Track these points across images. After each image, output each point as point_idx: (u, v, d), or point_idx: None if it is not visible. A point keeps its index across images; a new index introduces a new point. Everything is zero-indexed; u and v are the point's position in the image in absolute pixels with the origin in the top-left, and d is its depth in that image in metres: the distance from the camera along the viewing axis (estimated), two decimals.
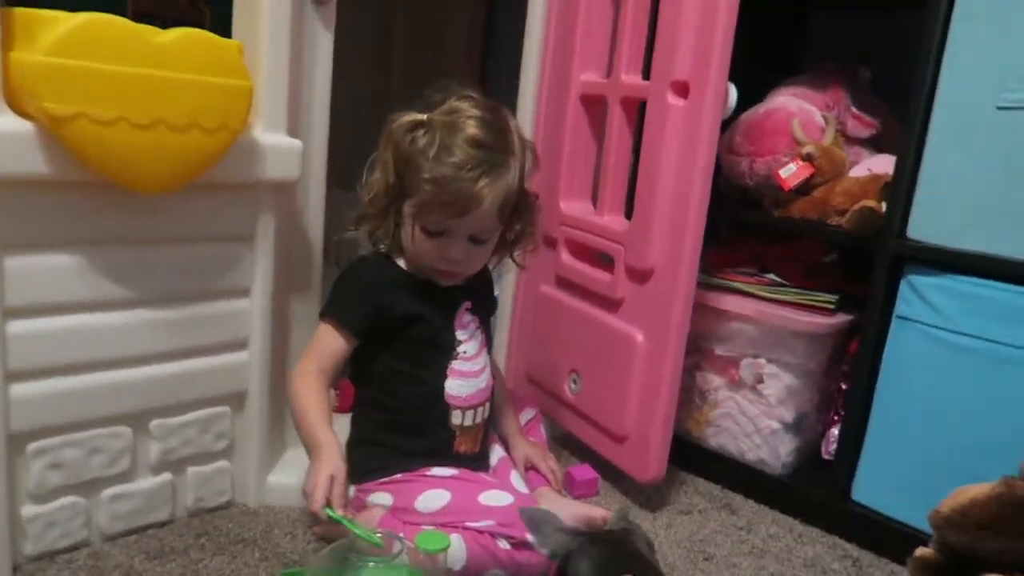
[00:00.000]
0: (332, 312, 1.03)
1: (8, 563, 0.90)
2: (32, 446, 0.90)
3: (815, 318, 1.27)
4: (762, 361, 1.32)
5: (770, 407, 1.32)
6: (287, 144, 1.05)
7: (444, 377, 1.07)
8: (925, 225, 1.14)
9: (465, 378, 1.09)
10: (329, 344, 1.02)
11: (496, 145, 0.98)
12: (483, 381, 1.11)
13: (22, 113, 0.83)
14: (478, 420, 1.11)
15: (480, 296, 1.14)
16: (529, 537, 0.85)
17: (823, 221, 1.29)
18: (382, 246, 1.06)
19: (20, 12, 0.84)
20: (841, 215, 1.25)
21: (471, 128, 0.96)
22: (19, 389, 0.88)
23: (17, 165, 0.82)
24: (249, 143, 1.00)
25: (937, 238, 1.12)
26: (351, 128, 1.40)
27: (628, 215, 1.28)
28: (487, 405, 1.13)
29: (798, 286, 1.32)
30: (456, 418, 1.08)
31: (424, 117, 0.98)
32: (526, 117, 1.42)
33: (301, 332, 1.17)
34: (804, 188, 1.31)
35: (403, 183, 0.99)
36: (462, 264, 1.04)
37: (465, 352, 1.09)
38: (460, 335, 1.09)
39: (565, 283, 1.39)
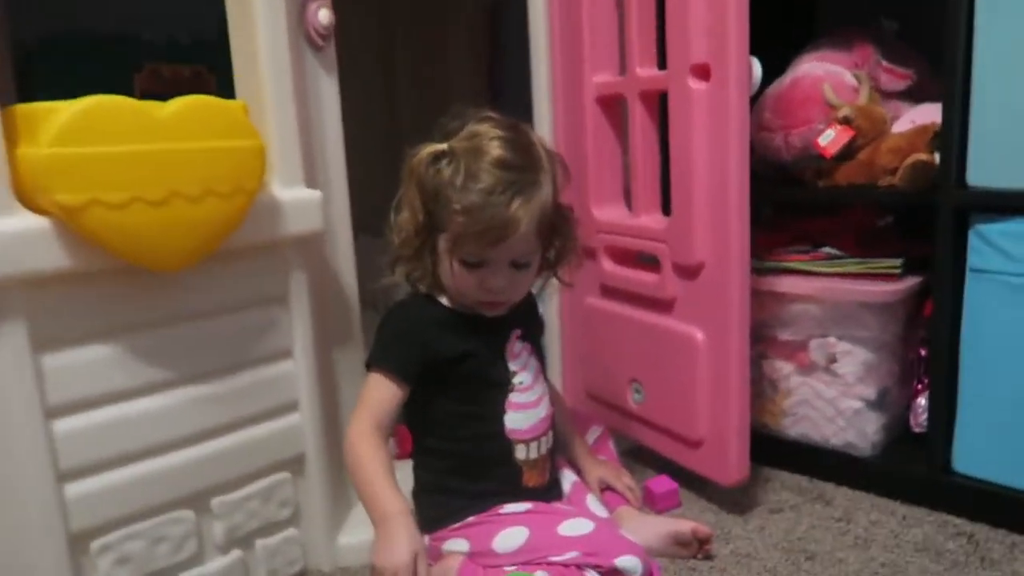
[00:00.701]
0: (378, 360, 0.98)
1: None
2: (95, 544, 0.88)
3: (882, 286, 1.20)
4: (832, 340, 1.25)
5: (848, 386, 1.25)
6: (306, 196, 1.02)
7: (503, 412, 1.02)
8: (985, 169, 1.07)
9: (524, 410, 1.03)
10: (380, 394, 0.97)
11: (524, 163, 0.93)
12: (543, 410, 1.06)
13: (36, 209, 0.81)
14: (543, 451, 1.06)
15: (528, 321, 1.08)
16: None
17: (873, 184, 1.22)
18: (421, 286, 1.01)
19: (20, 108, 0.83)
20: (891, 174, 1.18)
21: (495, 149, 0.91)
22: (74, 488, 0.86)
23: (38, 262, 0.80)
24: (268, 202, 0.97)
25: (1000, 181, 1.05)
26: (367, 170, 1.38)
27: (666, 211, 1.22)
28: (550, 434, 1.07)
29: (857, 256, 1.24)
30: (520, 453, 1.03)
31: (445, 146, 0.93)
32: (543, 128, 1.38)
33: (349, 385, 1.14)
34: (847, 153, 1.25)
35: (433, 218, 0.94)
36: (506, 292, 0.99)
37: (521, 383, 1.03)
38: (513, 366, 1.03)
39: (611, 291, 1.34)
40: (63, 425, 0.85)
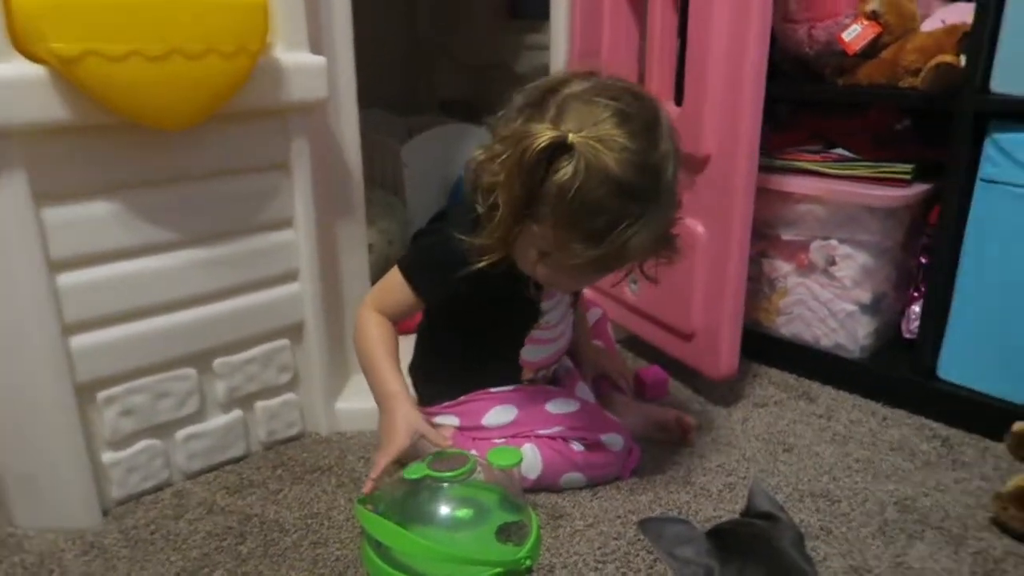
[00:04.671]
0: (410, 274, 0.95)
1: (98, 508, 0.93)
2: (101, 395, 0.91)
3: (890, 191, 1.19)
4: (834, 242, 1.25)
5: (845, 289, 1.26)
6: (311, 62, 0.99)
7: (520, 345, 1.01)
8: (1010, 76, 1.03)
9: (543, 344, 1.03)
10: (399, 298, 0.95)
11: (652, 189, 0.79)
12: (562, 343, 1.06)
13: (32, 57, 0.79)
14: (550, 373, 1.08)
15: None
16: (663, 557, 0.70)
17: (894, 84, 1.18)
18: (478, 207, 0.86)
19: None
20: (914, 75, 1.14)
21: (625, 170, 0.76)
22: (79, 340, 0.88)
23: (33, 112, 0.79)
24: (271, 65, 0.94)
25: None
26: (377, 39, 1.34)
27: (678, 102, 1.19)
28: (563, 358, 1.09)
29: (869, 159, 1.22)
30: (527, 375, 1.04)
31: (567, 139, 0.76)
32: (560, 9, 1.33)
33: (350, 257, 1.15)
34: (871, 50, 1.20)
35: (531, 209, 0.81)
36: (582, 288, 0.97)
37: (547, 322, 1.01)
38: (545, 306, 1.00)
39: None
40: (67, 279, 0.86)
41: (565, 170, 0.76)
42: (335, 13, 1.08)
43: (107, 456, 0.93)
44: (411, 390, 1.04)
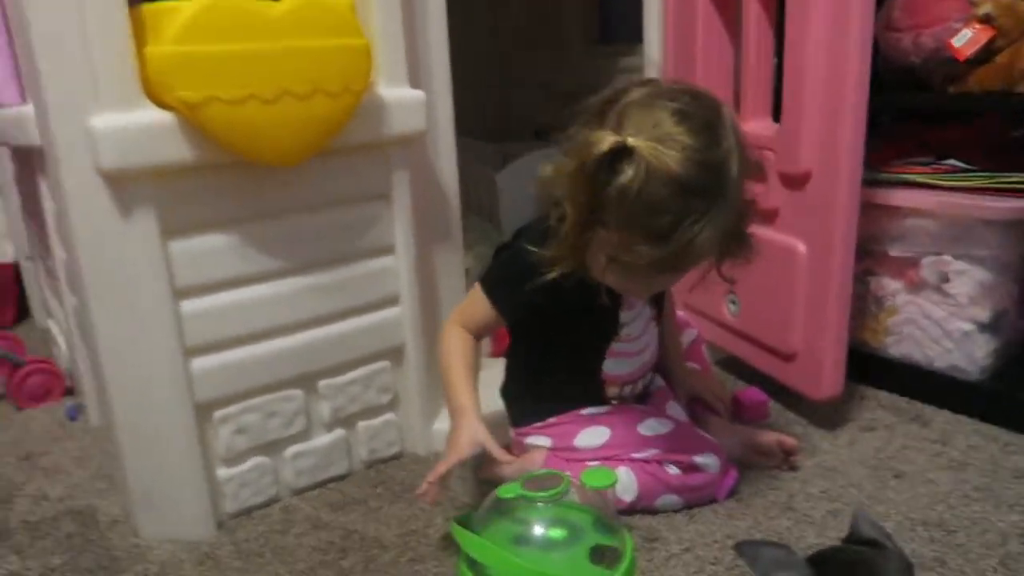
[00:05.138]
0: (489, 289, 0.97)
1: (213, 521, 0.99)
2: (217, 414, 0.97)
3: (1008, 202, 1.12)
4: (947, 258, 1.19)
5: (960, 307, 1.19)
6: (411, 96, 1.04)
7: (602, 359, 1.02)
8: None
9: (625, 358, 1.03)
10: (480, 314, 0.98)
11: (716, 184, 0.79)
12: (646, 357, 1.06)
13: (162, 105, 0.87)
14: (639, 389, 1.07)
15: None
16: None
17: (1009, 90, 1.12)
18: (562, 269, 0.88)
19: (146, 8, 0.87)
20: None
21: (687, 167, 0.76)
22: (199, 363, 0.95)
23: (165, 154, 0.86)
24: (374, 101, 0.99)
25: None
26: (470, 71, 1.38)
27: (776, 118, 1.17)
28: (650, 374, 1.09)
29: (985, 169, 1.16)
30: (613, 391, 1.05)
31: (628, 143, 0.76)
32: (652, 23, 1.33)
33: (447, 282, 1.18)
34: (983, 56, 1.15)
35: (597, 216, 0.82)
36: (654, 292, 0.98)
37: (628, 334, 1.02)
38: (624, 317, 1.01)
39: None
40: (189, 305, 0.93)
41: (627, 173, 0.76)
42: (432, 48, 1.12)
43: (222, 472, 1.00)
44: (505, 412, 1.07)
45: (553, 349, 1.02)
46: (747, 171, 0.83)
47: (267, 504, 1.04)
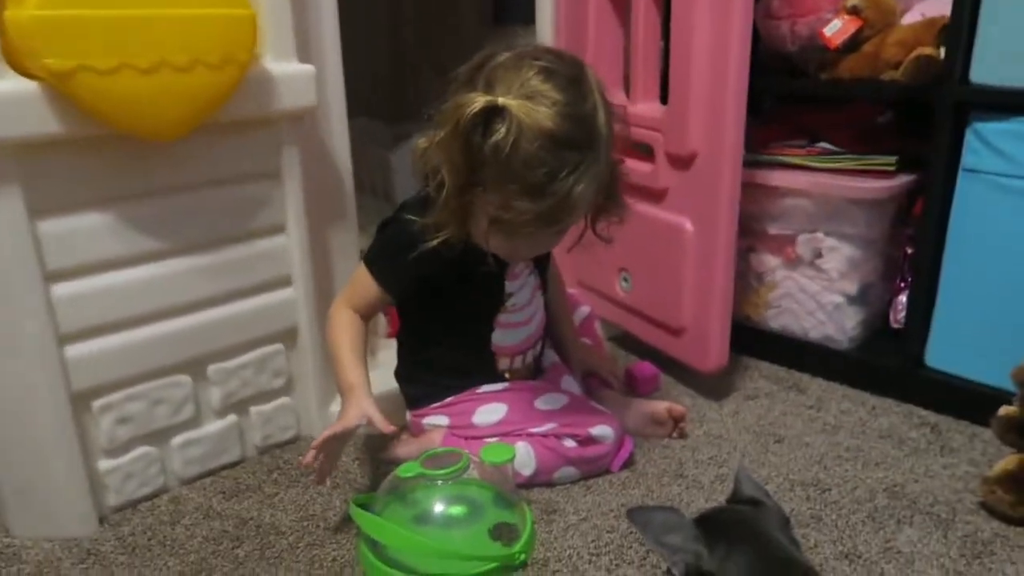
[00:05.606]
0: (372, 265, 0.97)
1: (94, 516, 0.94)
2: (97, 403, 0.92)
3: (875, 183, 1.20)
4: (820, 235, 1.26)
5: (832, 281, 1.27)
6: (300, 71, 1.01)
7: (490, 330, 1.03)
8: (989, 67, 1.05)
9: (513, 328, 1.04)
10: (365, 292, 0.98)
11: (586, 137, 0.82)
12: (534, 326, 1.07)
13: (25, 73, 0.81)
14: (528, 360, 1.09)
15: None
16: (652, 545, 0.69)
17: (875, 77, 1.20)
18: (445, 234, 0.89)
19: None
20: (895, 68, 1.15)
21: (557, 122, 0.79)
22: (74, 350, 0.89)
23: (27, 126, 0.80)
24: (260, 75, 0.96)
25: (1003, 79, 1.03)
26: (365, 48, 1.35)
27: (664, 101, 1.21)
28: (539, 345, 1.10)
29: (853, 152, 1.24)
30: (504, 364, 1.06)
31: (499, 102, 0.79)
32: (545, 5, 1.34)
33: (341, 262, 1.16)
34: (852, 44, 1.22)
35: (475, 178, 0.83)
36: (537, 254, 0.99)
37: (515, 304, 1.03)
38: (510, 287, 1.02)
39: None
40: (62, 289, 0.87)
41: (500, 132, 0.79)
42: (322, 22, 1.09)
43: (103, 464, 0.94)
44: (401, 395, 1.07)
45: (442, 323, 1.02)
46: (613, 124, 0.87)
47: (154, 495, 1.00)
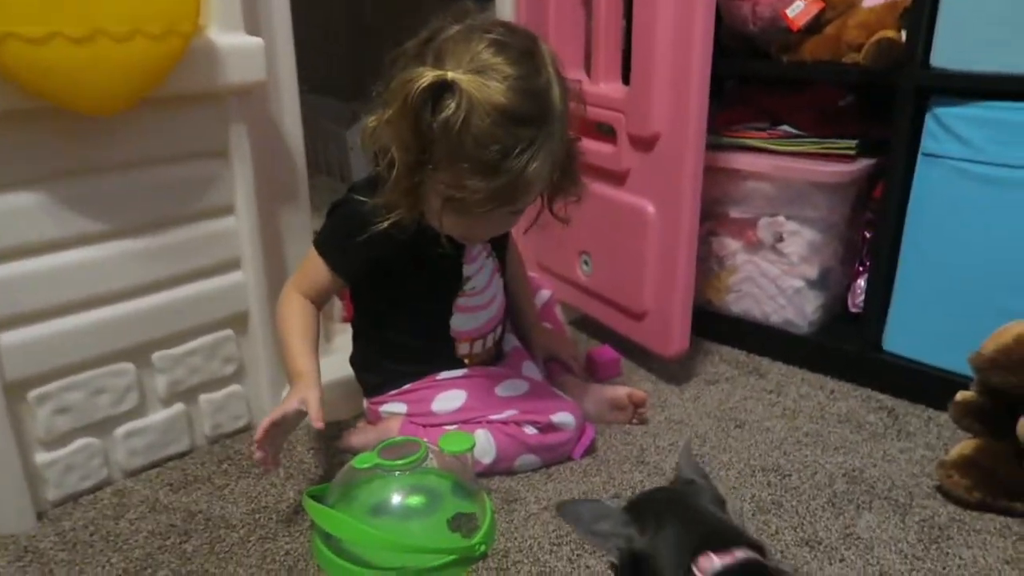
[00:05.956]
0: (323, 249, 0.94)
1: (32, 511, 0.89)
2: (33, 393, 0.87)
3: (836, 167, 1.20)
4: (781, 219, 1.26)
5: (792, 265, 1.27)
6: (248, 44, 0.96)
7: (449, 314, 1.00)
8: (950, 51, 1.05)
9: (473, 312, 1.01)
10: (317, 277, 0.94)
11: (539, 113, 0.79)
12: (493, 310, 1.04)
13: None
14: (488, 345, 1.06)
15: None
16: (584, 536, 0.69)
17: (837, 60, 1.19)
18: (397, 215, 0.86)
19: None
20: (857, 51, 1.15)
21: (510, 97, 0.76)
22: (6, 337, 0.84)
23: None
24: (205, 47, 0.91)
25: (964, 63, 1.03)
26: (319, 23, 1.30)
27: (626, 81, 1.18)
28: (499, 328, 1.08)
29: (815, 135, 1.23)
30: (463, 349, 1.03)
31: (448, 77, 0.76)
32: None
33: (294, 245, 1.12)
34: (814, 26, 1.21)
35: (426, 157, 0.80)
36: (493, 235, 0.96)
37: (473, 288, 1.00)
38: (468, 270, 0.99)
39: None
40: None
41: (449, 108, 0.75)
42: None
43: (41, 456, 0.90)
44: (357, 382, 1.03)
45: (399, 308, 0.99)
46: (568, 98, 0.83)
47: (97, 488, 0.95)
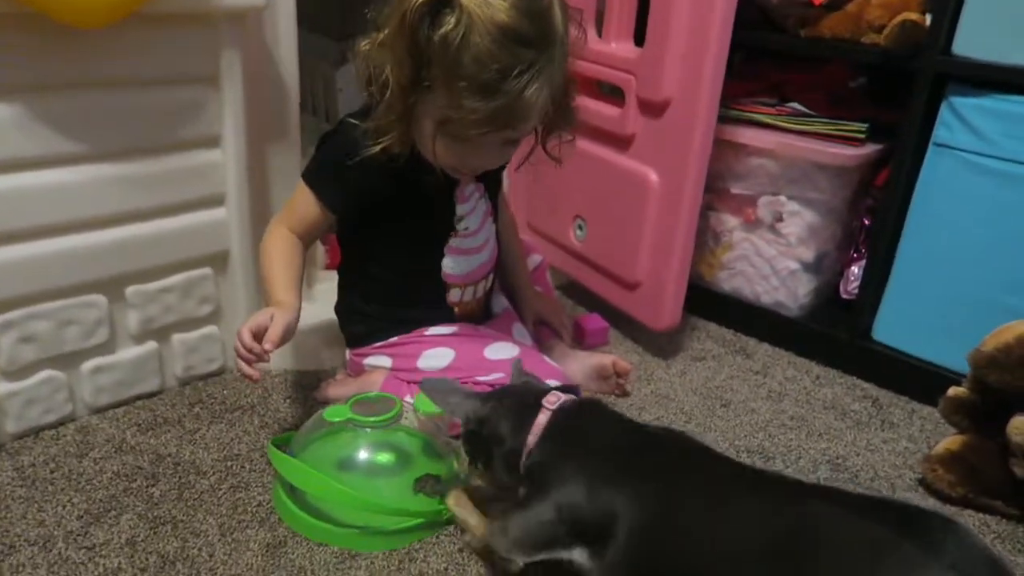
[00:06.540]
0: (312, 181, 0.90)
1: None
2: None
3: (843, 149, 1.17)
4: (782, 199, 1.23)
5: (789, 247, 1.25)
6: None
7: (440, 256, 0.96)
8: (974, 38, 1.01)
9: (465, 255, 0.98)
10: (306, 211, 0.90)
11: (542, 35, 0.76)
12: (486, 255, 1.01)
13: None
14: (479, 294, 1.03)
15: None
16: (438, 408, 0.76)
17: (856, 39, 1.16)
18: (386, 141, 0.84)
19: None
20: (877, 32, 1.11)
21: (512, 16, 0.74)
22: None
23: None
24: None
25: (987, 53, 1.00)
26: None
27: (639, 41, 1.14)
28: (491, 277, 1.04)
29: (824, 115, 1.20)
30: (455, 296, 1.00)
31: None
32: None
33: (281, 184, 1.06)
34: (836, 2, 1.17)
35: (421, 77, 0.78)
36: (487, 167, 0.91)
37: (466, 228, 0.97)
38: (460, 210, 0.96)
39: None
40: None
41: (449, 23, 0.73)
42: None
43: (2, 386, 0.85)
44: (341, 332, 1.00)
45: (389, 249, 0.95)
46: (569, 30, 0.81)
47: (60, 424, 0.91)
